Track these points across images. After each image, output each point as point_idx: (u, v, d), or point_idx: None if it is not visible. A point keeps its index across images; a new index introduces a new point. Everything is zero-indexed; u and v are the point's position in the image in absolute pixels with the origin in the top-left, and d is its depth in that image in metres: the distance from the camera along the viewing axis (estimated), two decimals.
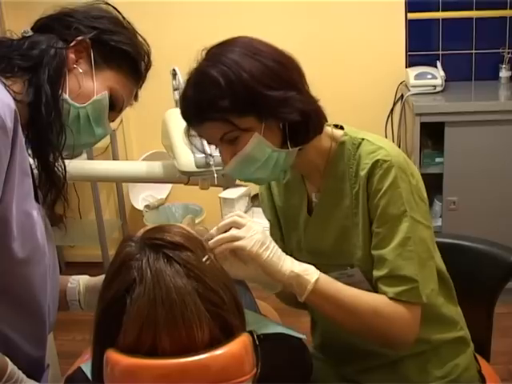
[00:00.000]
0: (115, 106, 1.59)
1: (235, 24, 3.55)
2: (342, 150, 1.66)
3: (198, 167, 2.47)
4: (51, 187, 1.54)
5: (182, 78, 2.91)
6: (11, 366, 1.42)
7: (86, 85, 1.52)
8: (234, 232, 1.47)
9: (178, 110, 2.85)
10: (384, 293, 1.57)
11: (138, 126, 4.38)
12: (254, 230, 1.49)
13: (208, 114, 1.51)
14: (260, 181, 1.71)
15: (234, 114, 1.50)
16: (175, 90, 2.96)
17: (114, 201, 4.60)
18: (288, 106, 1.52)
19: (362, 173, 1.59)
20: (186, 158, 2.49)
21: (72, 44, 1.51)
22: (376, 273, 1.59)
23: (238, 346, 1.07)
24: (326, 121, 1.65)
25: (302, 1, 3.86)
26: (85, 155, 3.97)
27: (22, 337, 1.51)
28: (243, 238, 1.47)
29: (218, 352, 1.04)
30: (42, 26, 1.55)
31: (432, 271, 1.61)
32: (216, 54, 1.55)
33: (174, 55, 3.61)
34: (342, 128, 1.71)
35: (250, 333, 1.13)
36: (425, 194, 1.66)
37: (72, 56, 1.51)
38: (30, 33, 1.53)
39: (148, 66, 1.66)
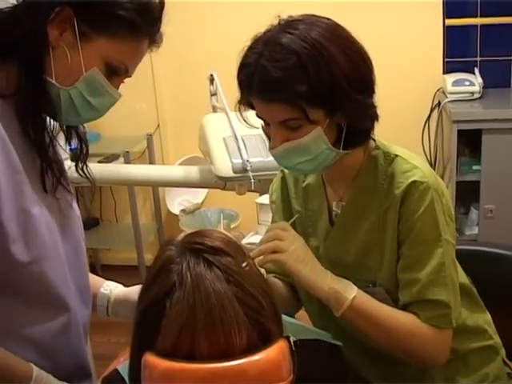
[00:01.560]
0: (118, 72, 1.44)
1: None
2: (373, 164, 1.62)
3: (235, 172, 2.48)
4: (53, 173, 1.47)
5: (219, 84, 2.93)
6: (37, 372, 1.42)
7: (74, 61, 1.38)
8: (276, 242, 1.49)
9: (215, 116, 2.90)
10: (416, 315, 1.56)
11: (175, 131, 4.43)
12: (296, 245, 1.50)
13: (282, 95, 1.42)
14: (299, 171, 1.67)
15: (307, 102, 1.43)
16: (212, 95, 2.98)
17: (150, 205, 4.65)
18: (365, 112, 1.50)
19: (397, 191, 1.55)
20: (224, 163, 2.50)
21: (51, 18, 1.34)
22: (406, 296, 1.57)
23: (276, 351, 1.07)
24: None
25: (339, 2, 3.85)
26: (121, 159, 4.02)
27: (54, 336, 1.51)
28: (284, 251, 1.48)
29: (256, 357, 1.04)
30: None
31: (458, 292, 1.59)
32: (306, 34, 1.42)
33: (212, 61, 3.64)
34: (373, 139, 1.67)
35: (287, 338, 1.13)
36: (453, 212, 1.62)
37: (54, 32, 1.36)
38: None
39: (162, 4, 1.47)
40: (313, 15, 1.51)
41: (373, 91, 1.54)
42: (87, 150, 1.57)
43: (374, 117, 1.55)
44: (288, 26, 1.47)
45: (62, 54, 1.37)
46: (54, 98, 1.40)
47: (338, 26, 1.51)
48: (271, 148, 1.53)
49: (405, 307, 1.57)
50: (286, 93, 1.41)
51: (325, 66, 1.41)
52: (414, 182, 1.53)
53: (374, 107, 1.55)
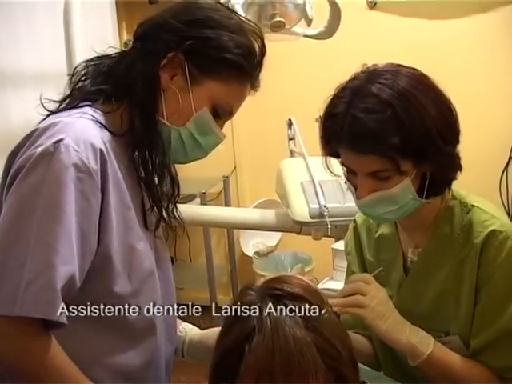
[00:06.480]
0: (223, 113, 1.52)
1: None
2: (450, 213, 1.61)
3: (312, 217, 2.48)
4: (159, 211, 1.54)
5: (297, 129, 2.96)
6: None
7: (184, 102, 1.46)
8: (358, 297, 1.49)
9: (293, 160, 2.92)
10: (488, 365, 1.53)
11: (251, 173, 4.47)
12: (377, 299, 1.50)
13: (375, 147, 1.42)
14: (384, 220, 1.67)
15: (400, 153, 1.42)
16: (290, 139, 3.01)
17: (224, 246, 4.67)
18: (452, 162, 1.50)
19: (476, 241, 1.54)
20: (301, 208, 2.51)
21: (163, 63, 1.44)
22: (479, 341, 1.55)
23: None
24: None
25: (426, 49, 3.85)
26: (198, 200, 4.07)
27: (139, 366, 1.52)
28: (366, 306, 1.48)
29: None
30: (140, 36, 1.49)
31: None
32: (394, 83, 1.43)
33: (290, 105, 3.68)
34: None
35: (363, 383, 1.13)
36: None
37: (165, 76, 1.45)
38: (130, 45, 1.50)
39: (263, 51, 1.55)
40: (395, 64, 1.52)
41: (458, 141, 1.53)
42: (178, 192, 1.61)
43: (458, 167, 1.54)
44: (374, 74, 1.48)
45: (173, 96, 1.45)
46: (165, 137, 1.47)
47: (423, 75, 1.51)
48: (358, 198, 1.53)
49: (476, 354, 1.55)
50: (380, 145, 1.41)
51: (418, 117, 1.41)
52: (494, 231, 1.53)
53: (459, 158, 1.54)
